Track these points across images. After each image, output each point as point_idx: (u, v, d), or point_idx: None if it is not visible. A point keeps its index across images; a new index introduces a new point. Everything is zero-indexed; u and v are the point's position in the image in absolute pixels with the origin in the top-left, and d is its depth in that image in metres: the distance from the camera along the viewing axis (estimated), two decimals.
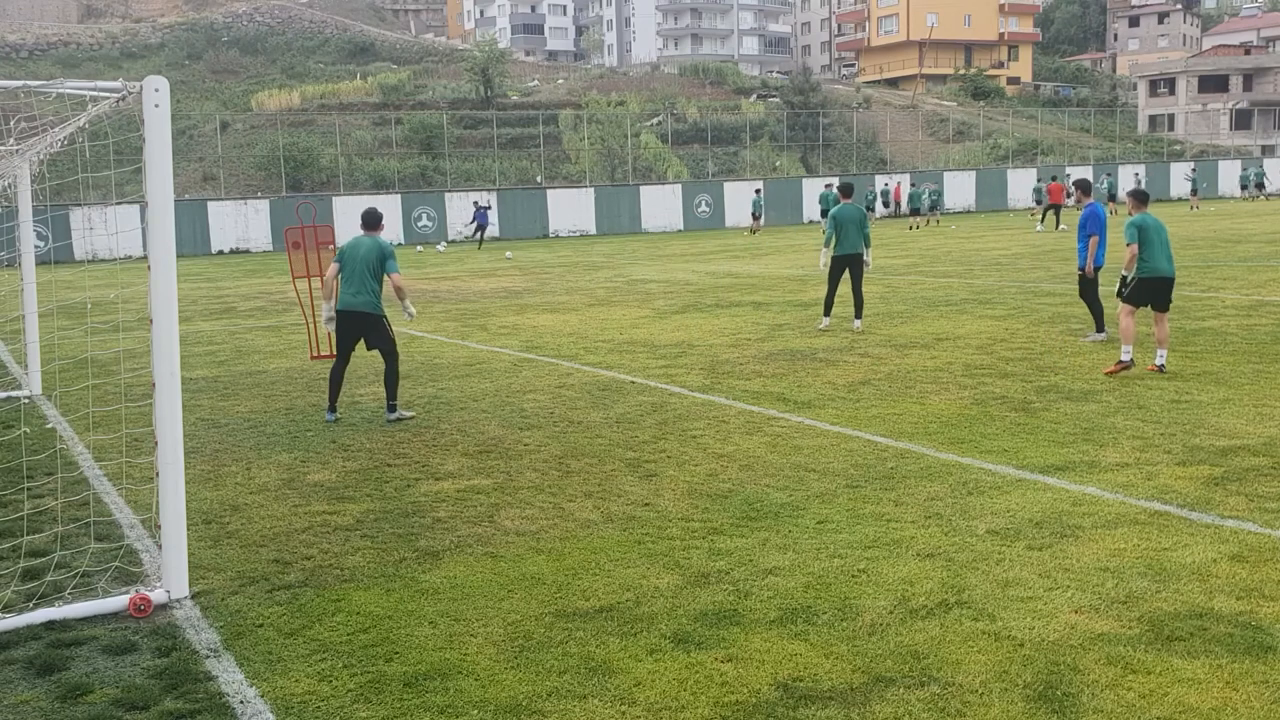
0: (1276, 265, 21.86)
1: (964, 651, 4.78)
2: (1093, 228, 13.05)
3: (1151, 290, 11.17)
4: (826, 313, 15.41)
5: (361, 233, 10.39)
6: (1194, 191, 52.00)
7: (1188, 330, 13.77)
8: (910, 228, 43.03)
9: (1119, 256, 12.40)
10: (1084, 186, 13.69)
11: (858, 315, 15.24)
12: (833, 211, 15.32)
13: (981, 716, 4.22)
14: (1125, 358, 11.04)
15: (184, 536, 5.84)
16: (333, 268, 10.35)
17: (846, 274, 15.24)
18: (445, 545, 6.51)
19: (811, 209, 53.49)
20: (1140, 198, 11.79)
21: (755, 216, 47.29)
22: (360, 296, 10.09)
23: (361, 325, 10.20)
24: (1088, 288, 13.60)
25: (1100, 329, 13.56)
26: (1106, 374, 11.06)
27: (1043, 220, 38.45)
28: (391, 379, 10.33)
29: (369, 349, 10.40)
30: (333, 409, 10.49)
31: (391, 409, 10.35)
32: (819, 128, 68.88)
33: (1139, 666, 4.58)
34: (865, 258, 15.25)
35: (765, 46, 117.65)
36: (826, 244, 15.21)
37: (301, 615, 5.51)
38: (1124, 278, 11.32)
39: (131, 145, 5.95)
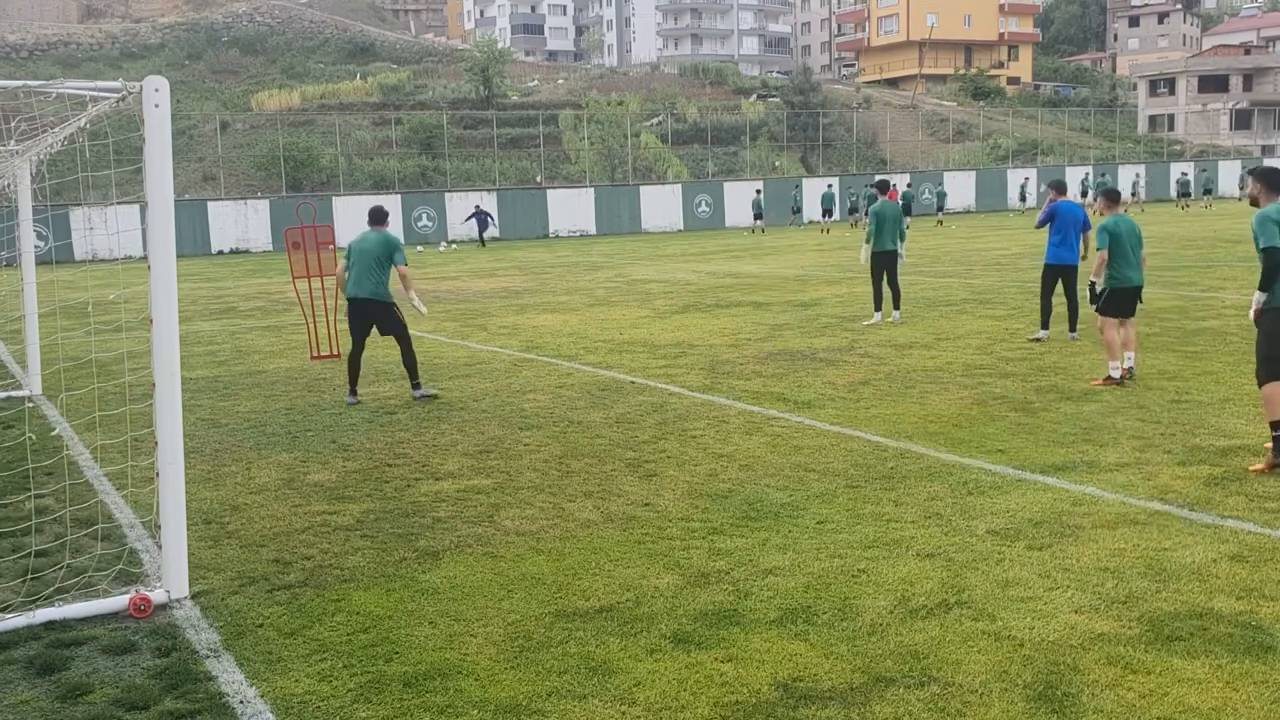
0: None
1: (964, 651, 4.78)
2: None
3: (1123, 299, 10.68)
4: (877, 308, 15.95)
5: (369, 228, 11.10)
6: (1206, 191, 52.34)
7: (1188, 330, 13.77)
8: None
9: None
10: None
11: (896, 306, 15.99)
12: (874, 208, 15.95)
13: (981, 716, 4.22)
14: (1115, 374, 10.49)
15: (184, 537, 5.83)
16: (341, 263, 11.20)
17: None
18: (445, 545, 6.51)
19: (812, 209, 53.43)
20: (1112, 197, 11.16)
21: (757, 216, 47.56)
22: (366, 285, 10.76)
23: (370, 312, 10.87)
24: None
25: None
26: (1096, 384, 10.52)
27: None
28: (410, 360, 11.04)
29: (382, 335, 11.09)
30: (353, 393, 11.15)
31: (416, 387, 11.10)
32: (819, 128, 68.84)
33: (1139, 666, 4.57)
34: (900, 251, 16.04)
35: (765, 46, 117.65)
36: (868, 240, 15.96)
37: (301, 615, 5.51)
38: (1093, 284, 10.68)
39: (131, 145, 5.94)
